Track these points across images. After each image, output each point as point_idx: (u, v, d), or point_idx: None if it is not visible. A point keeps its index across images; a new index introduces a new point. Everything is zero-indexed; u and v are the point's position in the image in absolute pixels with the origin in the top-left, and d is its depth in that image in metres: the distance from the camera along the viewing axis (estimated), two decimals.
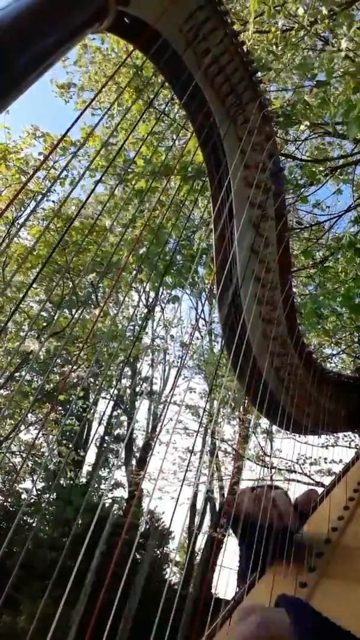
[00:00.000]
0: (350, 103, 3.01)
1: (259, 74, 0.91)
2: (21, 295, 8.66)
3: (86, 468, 14.01)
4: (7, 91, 0.60)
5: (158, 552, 13.28)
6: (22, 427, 9.75)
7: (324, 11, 3.21)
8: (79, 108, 5.60)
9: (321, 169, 4.19)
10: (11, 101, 0.61)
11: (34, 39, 0.61)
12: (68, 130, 0.68)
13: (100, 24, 0.66)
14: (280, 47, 3.58)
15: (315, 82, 3.42)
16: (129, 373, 14.64)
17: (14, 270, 7.89)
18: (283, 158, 3.78)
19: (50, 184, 6.88)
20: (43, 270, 7.87)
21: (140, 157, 4.09)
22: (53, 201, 7.55)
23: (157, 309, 12.66)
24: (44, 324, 9.25)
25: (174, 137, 4.10)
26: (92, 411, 13.78)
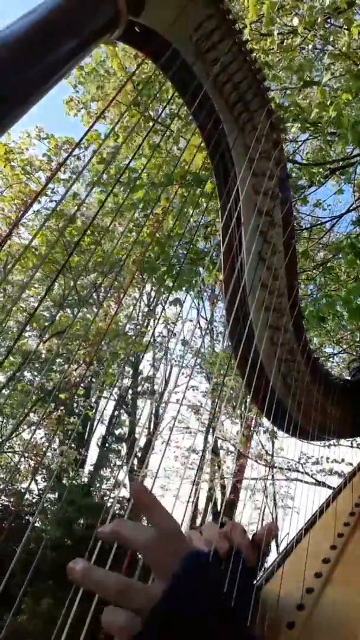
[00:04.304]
0: (340, 116, 3.01)
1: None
2: (22, 294, 8.68)
3: (88, 468, 14.03)
4: (18, 104, 0.60)
5: None
6: (25, 427, 9.77)
7: (319, 19, 3.20)
8: (86, 122, 5.50)
9: (321, 170, 4.19)
10: (22, 114, 0.60)
11: (46, 52, 0.60)
12: (80, 140, 0.68)
13: (111, 35, 0.66)
14: (277, 53, 3.58)
15: (302, 83, 3.42)
16: (131, 372, 14.64)
17: (15, 269, 7.91)
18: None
19: (55, 185, 6.91)
20: (44, 269, 7.90)
21: (138, 164, 4.10)
22: (55, 201, 7.58)
23: (159, 308, 12.65)
24: (46, 324, 9.26)
25: (175, 147, 4.10)
26: (93, 410, 13.79)
